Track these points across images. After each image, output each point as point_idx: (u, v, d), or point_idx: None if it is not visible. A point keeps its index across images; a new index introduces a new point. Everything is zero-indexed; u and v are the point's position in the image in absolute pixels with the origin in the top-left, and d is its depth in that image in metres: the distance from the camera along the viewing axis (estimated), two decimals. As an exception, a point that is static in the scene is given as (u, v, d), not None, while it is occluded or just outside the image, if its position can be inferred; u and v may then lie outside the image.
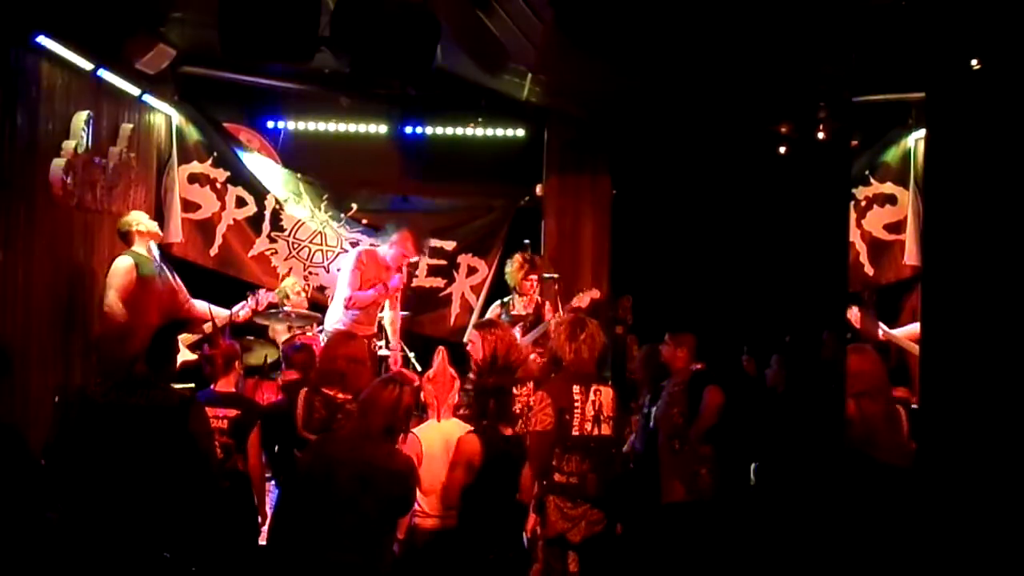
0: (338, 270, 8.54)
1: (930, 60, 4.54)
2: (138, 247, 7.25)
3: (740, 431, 6.14)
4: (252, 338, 8.19)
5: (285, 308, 8.06)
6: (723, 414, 6.08)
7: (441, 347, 5.76)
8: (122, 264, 7.09)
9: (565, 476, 5.18)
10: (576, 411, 5.20)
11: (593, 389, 5.29)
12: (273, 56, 6.77)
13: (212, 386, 5.74)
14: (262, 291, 7.97)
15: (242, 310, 7.77)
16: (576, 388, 5.25)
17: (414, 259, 8.32)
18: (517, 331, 7.45)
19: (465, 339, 6.12)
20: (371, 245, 8.62)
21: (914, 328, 7.61)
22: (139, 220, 7.37)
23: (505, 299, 8.28)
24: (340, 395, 5.50)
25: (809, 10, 6.44)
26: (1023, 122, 4.15)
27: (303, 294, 8.30)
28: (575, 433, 5.20)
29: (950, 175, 4.34)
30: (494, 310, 8.23)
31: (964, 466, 4.16)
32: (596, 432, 5.25)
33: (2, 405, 5.37)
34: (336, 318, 7.97)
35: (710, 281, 8.85)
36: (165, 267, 7.57)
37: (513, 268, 8.20)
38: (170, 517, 4.46)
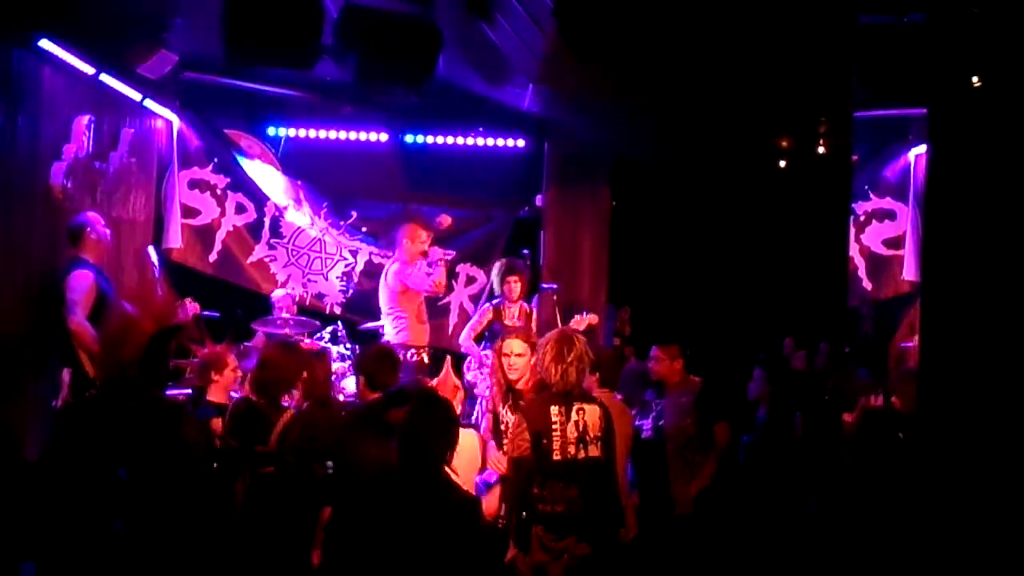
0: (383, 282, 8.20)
1: (931, 77, 4.57)
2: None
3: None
4: (249, 344, 8.16)
5: (284, 315, 8.03)
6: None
7: (448, 356, 5.69)
8: (84, 280, 6.33)
9: (549, 505, 4.70)
10: (555, 434, 4.71)
11: (575, 408, 4.77)
12: (276, 63, 6.79)
13: (206, 397, 5.66)
14: (188, 301, 7.23)
15: None
16: (555, 409, 4.75)
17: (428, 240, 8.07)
18: None
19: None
20: (383, 257, 8.53)
21: None
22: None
23: (494, 301, 8.05)
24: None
25: (811, 26, 6.47)
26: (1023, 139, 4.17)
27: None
28: (556, 458, 4.71)
29: (951, 191, 4.35)
30: (486, 314, 7.98)
31: (961, 478, 4.16)
32: (582, 455, 4.73)
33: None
34: (398, 329, 7.81)
35: (709, 294, 8.85)
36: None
37: (498, 272, 7.98)
38: (167, 520, 4.44)
